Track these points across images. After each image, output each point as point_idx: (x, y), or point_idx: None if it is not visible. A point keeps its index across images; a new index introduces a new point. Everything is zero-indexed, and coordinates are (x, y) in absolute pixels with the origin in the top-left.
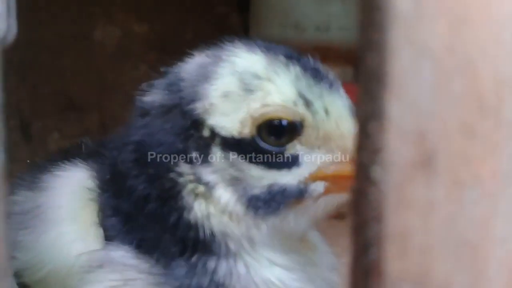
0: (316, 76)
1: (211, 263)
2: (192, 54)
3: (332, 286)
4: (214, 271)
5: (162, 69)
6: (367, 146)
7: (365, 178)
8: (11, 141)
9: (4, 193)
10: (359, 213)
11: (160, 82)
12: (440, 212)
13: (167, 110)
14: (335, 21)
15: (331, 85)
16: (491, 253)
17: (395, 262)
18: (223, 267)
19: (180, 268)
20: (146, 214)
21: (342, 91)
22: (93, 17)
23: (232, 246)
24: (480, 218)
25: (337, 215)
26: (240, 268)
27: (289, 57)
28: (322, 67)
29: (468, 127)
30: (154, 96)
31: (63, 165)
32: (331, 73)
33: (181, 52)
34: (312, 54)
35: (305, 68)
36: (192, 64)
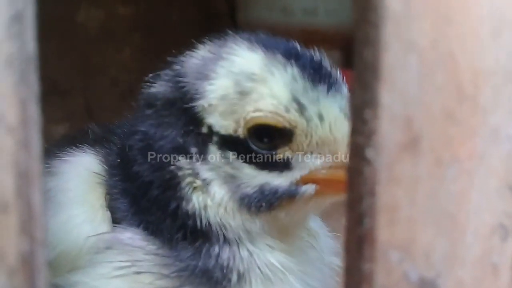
0: (315, 77)
1: (215, 248)
2: (198, 46)
3: (333, 269)
4: (218, 256)
5: (169, 59)
6: (362, 131)
7: (360, 158)
8: None
9: (43, 171)
10: (354, 189)
11: (165, 74)
12: (423, 188)
13: (170, 104)
14: (323, 4)
15: (330, 87)
16: (468, 223)
17: (385, 231)
18: (226, 252)
19: (186, 250)
20: (150, 199)
21: (342, 90)
22: None
23: (230, 235)
24: (458, 193)
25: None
26: (243, 253)
27: (288, 56)
28: (325, 64)
29: (448, 113)
30: (159, 88)
31: (71, 150)
32: (334, 70)
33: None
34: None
35: (303, 69)
36: (195, 59)
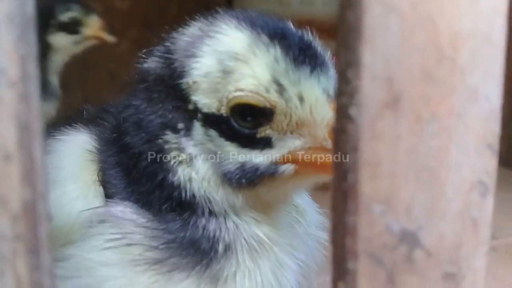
0: (298, 58)
1: (202, 220)
2: (190, 23)
3: (320, 243)
4: (205, 227)
5: (162, 35)
6: (346, 90)
7: (344, 117)
8: None
9: (43, 126)
10: (340, 147)
11: (157, 50)
12: (404, 144)
13: (161, 80)
14: None
15: (314, 68)
16: (448, 178)
17: (368, 185)
18: (212, 224)
19: (174, 222)
20: (139, 170)
21: (328, 71)
22: None
23: (215, 208)
24: (437, 149)
25: (322, 187)
26: (229, 224)
27: (273, 36)
28: (313, 45)
29: (428, 73)
30: (151, 64)
31: (66, 129)
32: (322, 51)
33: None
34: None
35: (287, 49)
36: (185, 36)
